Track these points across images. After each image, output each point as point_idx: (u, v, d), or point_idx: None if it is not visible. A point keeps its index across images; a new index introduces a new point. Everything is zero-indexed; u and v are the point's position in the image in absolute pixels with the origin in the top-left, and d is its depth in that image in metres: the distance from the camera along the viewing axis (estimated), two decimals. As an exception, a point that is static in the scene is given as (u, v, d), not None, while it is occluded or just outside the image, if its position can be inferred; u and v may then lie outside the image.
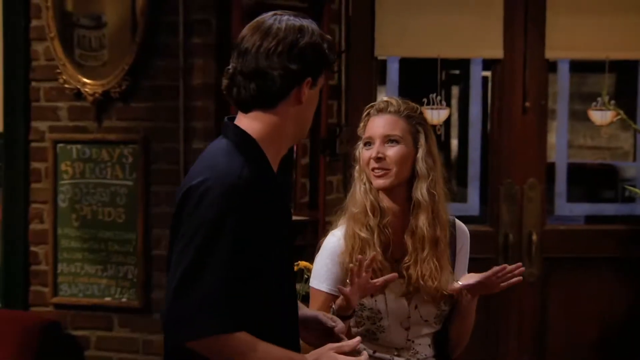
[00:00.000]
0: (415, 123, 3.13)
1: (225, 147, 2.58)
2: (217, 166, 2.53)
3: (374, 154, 3.09)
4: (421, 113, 3.19)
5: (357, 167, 3.17)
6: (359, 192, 3.13)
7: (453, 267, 3.17)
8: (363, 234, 3.08)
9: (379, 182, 3.09)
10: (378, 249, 3.06)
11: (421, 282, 3.06)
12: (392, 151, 3.09)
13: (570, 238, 5.68)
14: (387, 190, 3.11)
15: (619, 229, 5.76)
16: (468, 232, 3.24)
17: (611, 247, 5.63)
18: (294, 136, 2.66)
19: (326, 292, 3.11)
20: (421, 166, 3.10)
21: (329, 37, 2.68)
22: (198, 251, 2.44)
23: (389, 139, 3.10)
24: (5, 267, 5.18)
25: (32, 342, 4.84)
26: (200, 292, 2.43)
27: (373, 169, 3.10)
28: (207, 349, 2.46)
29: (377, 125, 3.12)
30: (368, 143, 3.13)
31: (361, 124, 3.18)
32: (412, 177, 3.11)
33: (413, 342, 3.13)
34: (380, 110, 3.14)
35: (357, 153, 3.18)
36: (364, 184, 3.13)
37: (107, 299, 5.02)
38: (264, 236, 2.51)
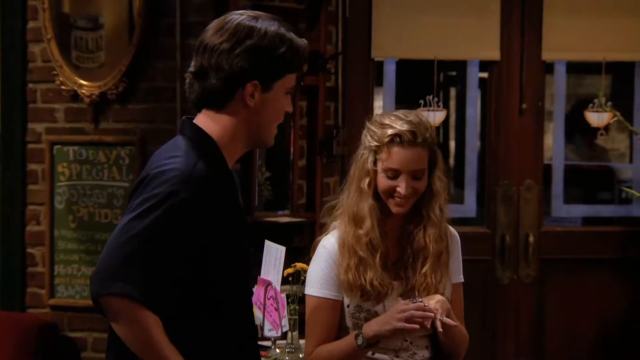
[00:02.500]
0: (434, 146, 3.11)
1: (180, 143, 2.61)
2: (173, 159, 2.55)
3: (403, 190, 3.03)
4: (435, 133, 3.16)
5: (366, 181, 3.08)
6: (366, 210, 3.08)
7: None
8: (363, 254, 3.06)
9: (400, 210, 3.08)
10: (378, 267, 3.06)
11: (416, 293, 3.08)
12: (419, 184, 3.07)
13: (567, 239, 5.69)
14: None
15: (615, 231, 5.77)
16: (458, 235, 3.24)
17: (608, 248, 5.63)
18: (249, 141, 2.64)
19: (324, 298, 3.11)
20: (437, 185, 3.11)
21: (297, 40, 2.60)
22: (134, 218, 2.47)
23: (416, 174, 3.06)
24: (2, 268, 5.18)
25: (30, 344, 4.84)
26: (116, 253, 2.46)
27: (394, 197, 3.07)
28: (107, 310, 2.47)
29: (406, 159, 3.03)
30: (392, 174, 3.06)
31: (381, 147, 3.05)
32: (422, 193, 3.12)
33: (411, 343, 3.13)
34: (408, 143, 3.03)
35: (367, 167, 3.07)
36: (373, 200, 3.07)
37: (104, 300, 5.01)
38: (211, 232, 2.52)
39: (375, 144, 3.07)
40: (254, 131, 2.62)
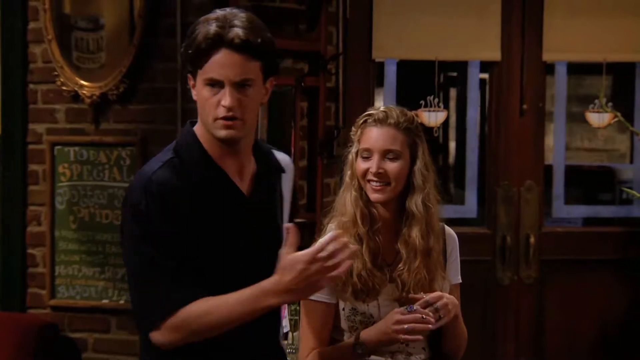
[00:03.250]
0: (414, 135, 3.11)
1: (166, 147, 2.73)
2: (142, 170, 2.68)
3: (373, 169, 3.06)
4: (417, 123, 3.16)
5: (348, 173, 3.14)
6: (349, 200, 3.11)
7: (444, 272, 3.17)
8: (349, 230, 3.07)
9: (377, 196, 3.07)
10: (366, 259, 3.06)
11: (411, 292, 3.07)
12: (392, 166, 3.07)
13: (568, 240, 5.69)
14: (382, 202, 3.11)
15: (616, 231, 5.77)
16: (456, 235, 3.24)
17: (608, 249, 5.64)
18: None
19: (318, 302, 3.11)
20: (417, 179, 3.09)
21: (197, 34, 2.61)
22: (127, 247, 2.64)
23: (388, 154, 3.07)
24: (2, 269, 5.18)
25: (30, 344, 4.84)
26: (137, 290, 2.61)
27: (369, 181, 3.08)
28: (169, 340, 2.58)
29: (377, 137, 3.08)
30: (366, 154, 3.10)
31: (357, 131, 3.13)
32: (407, 188, 3.11)
33: (407, 345, 3.13)
34: (380, 121, 3.08)
35: (349, 157, 3.14)
36: (355, 192, 3.11)
37: (105, 301, 5.02)
38: (176, 233, 2.59)
39: (354, 130, 3.15)
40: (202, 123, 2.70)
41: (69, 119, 5.09)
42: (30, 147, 5.15)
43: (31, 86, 5.14)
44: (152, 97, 4.92)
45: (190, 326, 2.55)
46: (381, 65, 5.71)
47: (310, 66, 5.21)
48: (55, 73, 5.04)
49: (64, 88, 5.03)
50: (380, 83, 5.79)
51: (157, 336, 2.58)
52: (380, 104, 5.76)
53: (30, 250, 5.16)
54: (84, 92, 4.99)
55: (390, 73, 5.70)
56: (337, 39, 5.35)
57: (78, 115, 5.06)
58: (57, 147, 5.08)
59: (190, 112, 4.83)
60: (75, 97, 5.03)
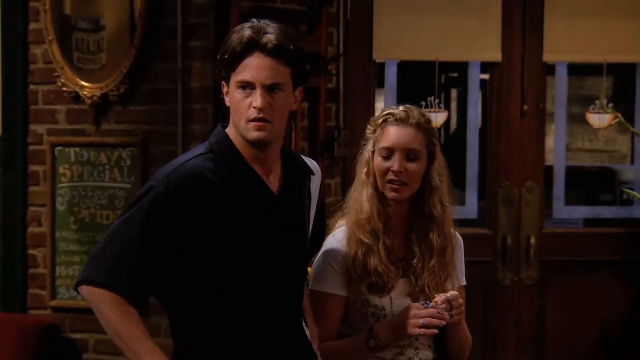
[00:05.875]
0: (431, 135, 3.13)
1: (197, 147, 2.81)
2: (173, 160, 2.75)
3: (395, 167, 3.07)
4: (431, 123, 3.18)
5: (364, 170, 3.15)
6: (365, 197, 3.12)
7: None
8: (367, 240, 3.09)
9: (395, 195, 3.09)
10: (382, 254, 3.08)
11: (426, 290, 3.09)
12: (412, 166, 3.08)
13: (569, 241, 5.69)
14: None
15: (617, 232, 5.77)
16: (462, 240, 3.26)
17: (609, 250, 5.64)
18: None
19: (329, 293, 3.12)
20: (435, 178, 3.12)
21: (233, 40, 2.70)
22: (120, 216, 2.71)
23: (410, 153, 3.08)
24: (3, 270, 5.18)
25: (31, 345, 4.84)
26: (95, 247, 2.71)
27: (390, 181, 3.09)
28: (87, 299, 2.70)
29: (399, 136, 3.09)
30: (386, 153, 3.10)
31: (375, 129, 3.14)
32: (421, 187, 3.12)
33: (417, 339, 3.14)
34: (402, 121, 3.10)
35: (365, 155, 3.15)
36: (372, 189, 3.12)
37: (106, 302, 5.01)
38: (194, 224, 2.65)
39: (372, 128, 3.15)
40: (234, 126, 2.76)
41: (70, 120, 5.09)
42: (31, 147, 5.15)
43: (32, 87, 5.15)
44: (153, 98, 4.93)
45: (93, 309, 2.71)
46: (382, 66, 5.72)
47: (310, 67, 5.21)
48: (56, 74, 5.05)
49: (65, 89, 5.04)
50: (380, 84, 5.79)
51: (81, 289, 2.72)
52: (381, 105, 5.79)
53: (30, 251, 5.16)
54: (85, 92, 4.99)
55: (391, 74, 5.70)
56: (338, 40, 5.35)
57: (79, 116, 5.06)
58: (57, 148, 5.09)
59: (190, 113, 4.84)
60: (76, 97, 5.03)
